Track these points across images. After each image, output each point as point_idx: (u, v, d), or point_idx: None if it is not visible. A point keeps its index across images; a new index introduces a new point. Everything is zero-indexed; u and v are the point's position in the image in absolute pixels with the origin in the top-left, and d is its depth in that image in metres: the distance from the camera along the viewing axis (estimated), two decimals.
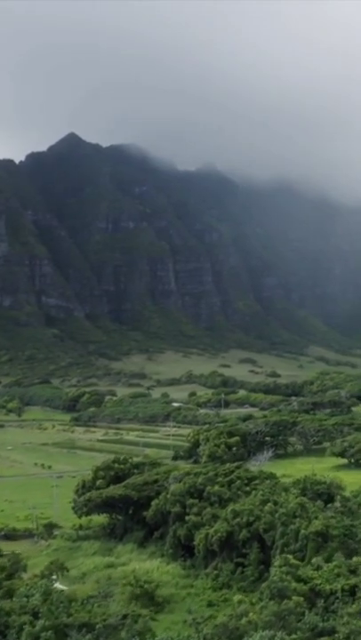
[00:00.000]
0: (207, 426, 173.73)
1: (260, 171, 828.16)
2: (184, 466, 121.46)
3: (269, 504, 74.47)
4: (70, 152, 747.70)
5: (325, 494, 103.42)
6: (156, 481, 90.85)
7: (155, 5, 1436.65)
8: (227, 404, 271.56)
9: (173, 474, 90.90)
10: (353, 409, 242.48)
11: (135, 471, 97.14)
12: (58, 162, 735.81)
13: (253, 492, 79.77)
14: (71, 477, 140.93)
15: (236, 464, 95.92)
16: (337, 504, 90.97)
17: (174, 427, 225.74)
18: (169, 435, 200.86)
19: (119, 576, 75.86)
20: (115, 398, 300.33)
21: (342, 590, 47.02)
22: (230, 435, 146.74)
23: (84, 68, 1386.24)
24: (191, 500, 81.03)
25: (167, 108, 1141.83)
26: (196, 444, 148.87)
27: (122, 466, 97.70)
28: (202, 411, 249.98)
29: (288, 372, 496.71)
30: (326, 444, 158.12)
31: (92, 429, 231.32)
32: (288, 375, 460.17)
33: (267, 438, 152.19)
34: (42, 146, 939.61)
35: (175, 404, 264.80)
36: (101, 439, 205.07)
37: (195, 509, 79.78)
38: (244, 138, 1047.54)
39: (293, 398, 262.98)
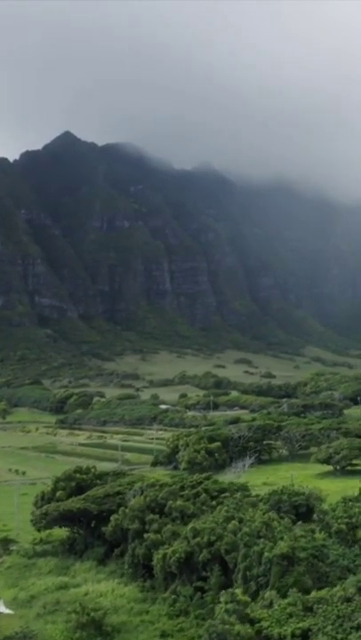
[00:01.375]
0: (191, 429, 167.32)
1: (259, 170, 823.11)
2: (152, 475, 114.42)
3: (233, 522, 67.70)
4: (65, 151, 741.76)
5: (304, 506, 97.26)
6: (118, 493, 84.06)
7: (153, 3, 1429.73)
8: (216, 406, 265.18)
9: (136, 486, 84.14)
10: (345, 412, 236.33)
11: (98, 482, 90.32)
12: (53, 160, 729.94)
13: (218, 508, 73.05)
14: (44, 484, 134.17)
15: (204, 474, 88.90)
16: (315, 517, 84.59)
17: (160, 429, 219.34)
18: (153, 438, 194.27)
19: (69, 599, 69.18)
20: (103, 400, 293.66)
21: (292, 636, 40.26)
22: (211, 440, 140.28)
23: (80, 65, 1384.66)
24: (151, 516, 74.22)
25: (165, 107, 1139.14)
26: (176, 450, 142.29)
27: (84, 476, 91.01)
28: (190, 413, 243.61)
29: (284, 372, 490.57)
30: (314, 449, 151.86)
31: (76, 432, 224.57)
32: (284, 376, 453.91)
33: (250, 443, 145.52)
34: (37, 144, 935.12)
35: (163, 407, 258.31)
36: (83, 443, 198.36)
37: (154, 526, 73.00)
38: (242, 137, 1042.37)
39: (284, 400, 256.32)
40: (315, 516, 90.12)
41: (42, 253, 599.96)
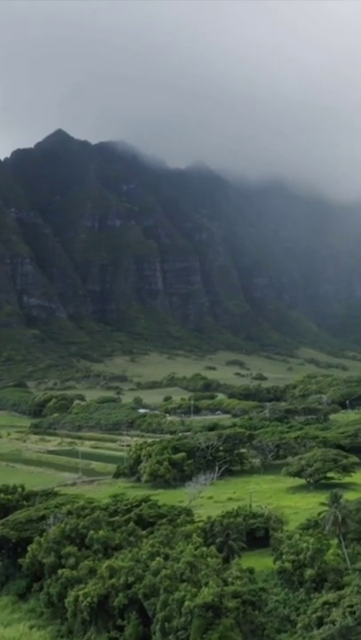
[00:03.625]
0: (158, 437, 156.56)
1: (254, 169, 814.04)
2: (92, 494, 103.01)
3: (158, 559, 57.26)
4: (58, 149, 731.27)
5: (262, 530, 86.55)
6: (42, 517, 73.45)
7: None
8: (198, 411, 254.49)
9: (63, 509, 73.45)
10: (331, 417, 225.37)
11: (25, 503, 79.69)
12: (44, 159, 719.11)
13: (146, 541, 62.38)
14: None
15: (142, 496, 78.12)
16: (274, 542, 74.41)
17: (136, 435, 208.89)
18: (126, 445, 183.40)
19: None
20: (83, 403, 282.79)
21: None
22: (176, 450, 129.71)
23: (73, 62, 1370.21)
24: (68, 549, 63.71)
25: (160, 105, 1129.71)
26: (139, 460, 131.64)
27: (9, 496, 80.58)
28: (169, 418, 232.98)
29: (276, 374, 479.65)
30: (291, 459, 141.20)
31: (48, 438, 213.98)
32: (276, 378, 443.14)
33: (220, 453, 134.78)
34: (29, 142, 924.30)
35: (141, 411, 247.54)
36: (51, 450, 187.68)
37: (71, 560, 62.53)
38: (237, 136, 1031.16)
39: (268, 404, 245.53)
40: (272, 537, 79.97)
41: (31, 253, 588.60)
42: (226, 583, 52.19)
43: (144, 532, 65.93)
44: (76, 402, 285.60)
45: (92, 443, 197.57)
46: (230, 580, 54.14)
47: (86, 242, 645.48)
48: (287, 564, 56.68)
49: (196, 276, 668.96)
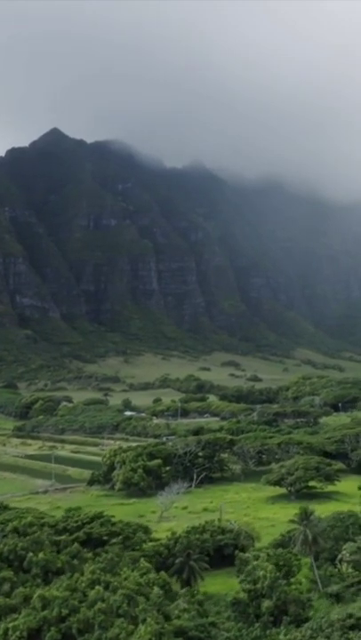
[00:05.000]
0: (131, 443, 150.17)
1: (251, 169, 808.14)
2: (49, 507, 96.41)
3: (98, 587, 50.81)
4: (53, 148, 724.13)
5: (230, 547, 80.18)
6: None
7: None
8: (186, 413, 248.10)
9: (10, 526, 67.01)
10: (322, 420, 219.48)
11: None
12: (40, 157, 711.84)
13: (87, 566, 55.95)
14: None
15: (95, 512, 71.66)
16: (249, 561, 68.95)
17: (121, 439, 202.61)
18: (107, 449, 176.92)
19: None
20: (69, 405, 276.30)
21: None
22: (151, 456, 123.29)
23: (69, 59, 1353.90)
24: (4, 573, 57.20)
25: (157, 104, 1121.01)
26: (113, 467, 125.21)
27: None
28: (156, 421, 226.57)
29: (272, 375, 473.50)
30: (274, 466, 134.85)
31: (29, 442, 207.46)
32: (271, 379, 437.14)
33: (199, 460, 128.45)
34: (24, 141, 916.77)
35: (128, 414, 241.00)
36: (30, 454, 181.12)
37: (5, 587, 55.99)
38: (235, 135, 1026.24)
39: (258, 407, 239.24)
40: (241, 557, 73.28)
41: (24, 252, 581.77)
42: (169, 618, 45.76)
43: (90, 555, 59.50)
44: (63, 403, 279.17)
45: (74, 447, 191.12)
46: (177, 612, 47.74)
47: (81, 241, 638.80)
48: (242, 595, 50.30)
49: (191, 276, 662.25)
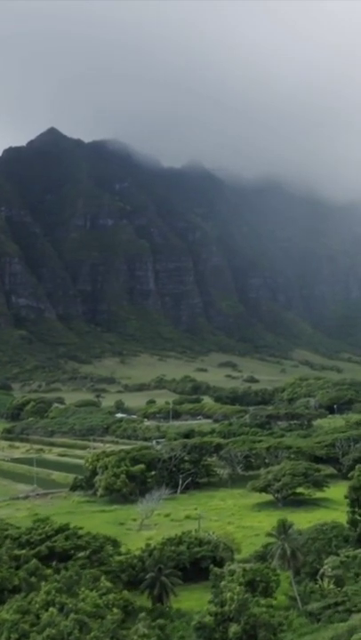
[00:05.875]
0: (109, 449, 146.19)
1: (250, 169, 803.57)
2: (4, 520, 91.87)
3: (52, 609, 46.67)
4: (50, 147, 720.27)
5: (208, 560, 76.03)
6: None
7: None
8: (178, 415, 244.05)
9: None
10: (316, 422, 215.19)
11: None
12: (36, 157, 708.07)
13: (44, 584, 51.80)
14: None
15: (60, 524, 67.46)
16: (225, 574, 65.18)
17: (111, 442, 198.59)
18: (95, 452, 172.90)
19: None
20: (61, 407, 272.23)
21: None
22: (135, 461, 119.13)
23: (67, 58, 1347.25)
24: None
25: (155, 103, 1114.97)
26: (95, 472, 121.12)
27: None
28: (147, 423, 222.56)
29: (269, 376, 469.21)
30: (263, 471, 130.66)
31: (17, 444, 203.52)
32: (268, 380, 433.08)
33: (185, 465, 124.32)
34: (21, 141, 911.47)
35: (118, 415, 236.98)
36: (17, 458, 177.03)
37: None
38: (234, 135, 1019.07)
39: (251, 409, 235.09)
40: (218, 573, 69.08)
41: (20, 252, 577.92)
42: None
43: (49, 571, 55.38)
44: (55, 405, 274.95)
45: (61, 450, 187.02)
46: (135, 638, 43.63)
47: (77, 241, 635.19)
48: (208, 619, 46.13)
49: (189, 277, 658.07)
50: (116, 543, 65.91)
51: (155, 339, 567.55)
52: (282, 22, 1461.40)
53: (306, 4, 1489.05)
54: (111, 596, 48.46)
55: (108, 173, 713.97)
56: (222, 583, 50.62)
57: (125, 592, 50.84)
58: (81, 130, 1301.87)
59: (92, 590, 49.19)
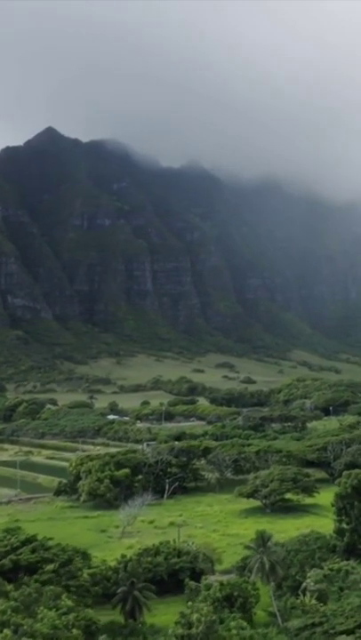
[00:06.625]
0: (96, 452, 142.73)
1: (248, 169, 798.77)
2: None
3: (7, 631, 43.26)
4: (48, 147, 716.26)
5: (187, 571, 72.61)
6: None
7: None
8: (172, 417, 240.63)
9: None
10: (311, 424, 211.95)
11: None
12: (34, 157, 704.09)
13: (3, 601, 48.30)
14: None
15: (27, 536, 63.95)
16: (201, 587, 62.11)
17: (102, 444, 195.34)
18: (83, 454, 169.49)
19: None
20: (54, 408, 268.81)
21: None
22: (120, 465, 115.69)
23: (64, 57, 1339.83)
24: None
25: (153, 102, 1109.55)
26: (79, 477, 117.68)
27: None
28: (139, 425, 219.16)
29: (266, 377, 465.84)
30: (252, 475, 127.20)
31: (6, 447, 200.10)
32: (265, 381, 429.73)
33: (172, 469, 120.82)
34: (19, 140, 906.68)
35: (110, 417, 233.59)
36: (4, 460, 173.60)
37: None
38: (233, 135, 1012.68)
39: (244, 410, 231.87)
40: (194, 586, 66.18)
41: (16, 251, 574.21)
42: None
43: (10, 587, 51.90)
44: (48, 406, 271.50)
45: (50, 452, 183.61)
46: None
47: (75, 241, 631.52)
48: (179, 631, 42.74)
49: (186, 277, 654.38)
50: (85, 555, 62.45)
51: (152, 339, 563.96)
52: (282, 22, 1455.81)
53: (306, 3, 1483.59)
54: (72, 616, 45.02)
55: (106, 173, 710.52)
56: (188, 603, 47.12)
57: (89, 610, 47.37)
58: (79, 129, 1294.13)
59: (51, 609, 45.73)
